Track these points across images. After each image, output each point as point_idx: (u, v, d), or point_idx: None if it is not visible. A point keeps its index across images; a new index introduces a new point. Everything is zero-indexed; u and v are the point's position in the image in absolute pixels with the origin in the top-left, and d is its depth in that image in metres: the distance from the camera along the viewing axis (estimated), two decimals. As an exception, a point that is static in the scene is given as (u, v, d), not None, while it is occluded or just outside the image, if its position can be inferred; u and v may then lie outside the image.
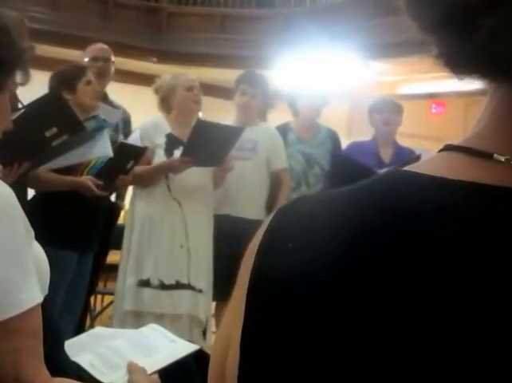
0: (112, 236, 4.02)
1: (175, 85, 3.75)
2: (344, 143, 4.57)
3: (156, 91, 3.81)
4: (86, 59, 4.01)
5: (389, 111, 4.17)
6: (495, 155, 0.45)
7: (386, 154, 4.08)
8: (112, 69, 4.09)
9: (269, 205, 4.00)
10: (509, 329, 0.40)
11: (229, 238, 3.54)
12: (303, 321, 0.44)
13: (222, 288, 3.47)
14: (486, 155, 0.46)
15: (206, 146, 3.52)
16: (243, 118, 4.11)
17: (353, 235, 0.45)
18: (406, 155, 3.95)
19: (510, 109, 0.47)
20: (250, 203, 3.92)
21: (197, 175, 3.67)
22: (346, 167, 3.83)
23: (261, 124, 4.18)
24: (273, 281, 0.47)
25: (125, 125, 4.07)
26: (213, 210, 3.88)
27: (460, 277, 0.42)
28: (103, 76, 3.85)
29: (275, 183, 4.10)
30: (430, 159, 0.49)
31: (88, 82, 3.45)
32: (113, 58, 4.11)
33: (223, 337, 0.52)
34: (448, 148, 0.49)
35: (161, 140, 3.71)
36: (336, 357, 0.43)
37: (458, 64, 0.47)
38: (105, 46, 4.15)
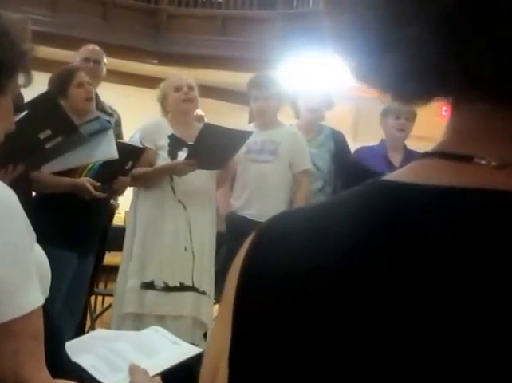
0: (108, 237, 4.02)
1: (167, 88, 3.75)
2: (351, 145, 4.53)
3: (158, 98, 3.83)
4: (77, 60, 4.07)
5: (407, 119, 4.05)
6: (475, 159, 0.45)
7: (396, 158, 4.00)
8: (104, 70, 4.12)
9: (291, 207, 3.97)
10: (505, 330, 0.40)
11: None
12: (298, 341, 0.44)
13: None
14: (467, 159, 0.45)
15: (212, 150, 3.49)
16: (261, 122, 4.10)
17: (347, 247, 0.45)
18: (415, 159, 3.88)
19: (484, 114, 0.46)
20: (271, 206, 3.81)
21: (202, 178, 3.66)
22: (355, 171, 3.84)
23: (282, 126, 4.14)
24: (259, 301, 0.46)
25: (116, 126, 4.02)
26: (235, 211, 3.91)
27: (453, 282, 0.42)
28: (93, 77, 3.82)
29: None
30: (409, 167, 0.49)
31: (80, 84, 3.41)
32: (105, 60, 4.14)
33: (212, 354, 0.52)
34: (425, 155, 0.48)
35: (164, 142, 3.70)
36: (336, 362, 0.43)
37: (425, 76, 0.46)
38: (97, 48, 4.17)
